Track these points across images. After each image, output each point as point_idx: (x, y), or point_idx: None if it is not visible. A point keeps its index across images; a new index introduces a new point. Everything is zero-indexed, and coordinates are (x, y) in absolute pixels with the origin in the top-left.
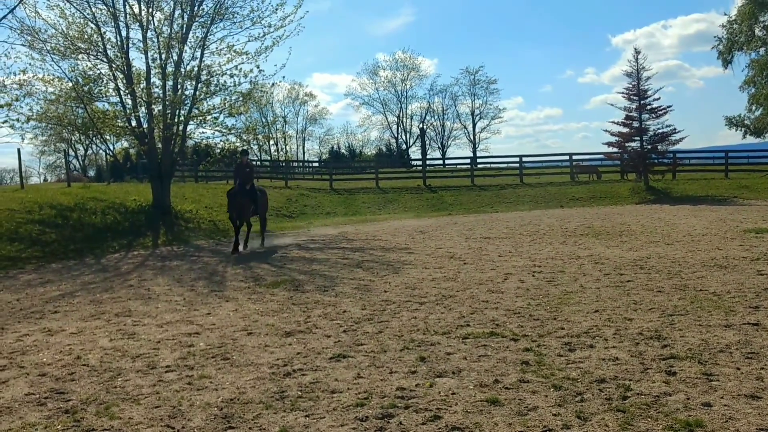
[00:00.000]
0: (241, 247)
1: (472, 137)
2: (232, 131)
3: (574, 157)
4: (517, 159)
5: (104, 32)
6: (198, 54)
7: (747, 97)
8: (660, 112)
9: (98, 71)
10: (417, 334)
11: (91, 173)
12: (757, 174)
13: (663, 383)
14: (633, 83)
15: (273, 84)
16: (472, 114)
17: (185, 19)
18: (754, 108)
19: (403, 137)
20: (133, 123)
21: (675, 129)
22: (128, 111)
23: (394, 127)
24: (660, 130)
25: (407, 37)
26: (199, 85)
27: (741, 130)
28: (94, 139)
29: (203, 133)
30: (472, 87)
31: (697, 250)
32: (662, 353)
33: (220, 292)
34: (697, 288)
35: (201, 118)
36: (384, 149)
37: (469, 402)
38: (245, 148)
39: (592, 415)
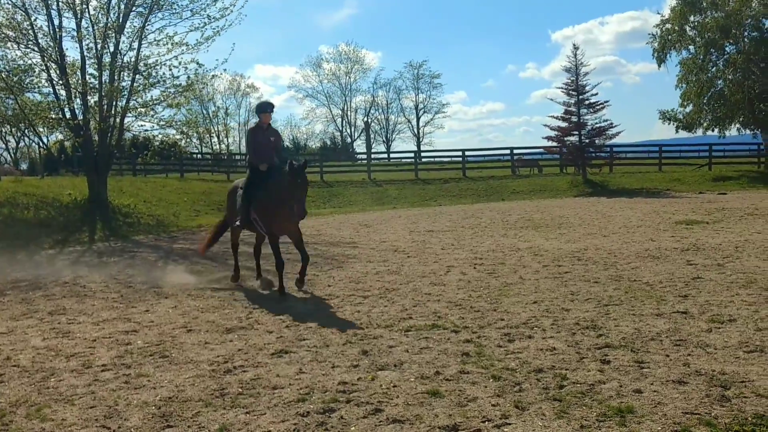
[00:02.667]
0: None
1: (416, 131)
2: (172, 124)
3: (516, 151)
4: (460, 153)
5: (35, 20)
6: (136, 44)
7: (680, 94)
8: (598, 107)
9: (29, 61)
10: (360, 328)
11: (24, 166)
12: (688, 167)
13: (598, 371)
14: (572, 78)
15: (214, 76)
16: (416, 108)
17: (122, 8)
18: (685, 104)
19: (348, 130)
20: (68, 115)
21: (612, 123)
22: (62, 102)
23: (339, 120)
24: (597, 125)
25: (351, 29)
26: (137, 76)
27: (674, 125)
28: (26, 131)
29: (142, 125)
30: (415, 81)
31: (632, 242)
32: (597, 342)
33: (159, 288)
34: (631, 278)
35: (139, 110)
36: (328, 142)
37: (410, 394)
38: (268, 100)
39: (529, 405)
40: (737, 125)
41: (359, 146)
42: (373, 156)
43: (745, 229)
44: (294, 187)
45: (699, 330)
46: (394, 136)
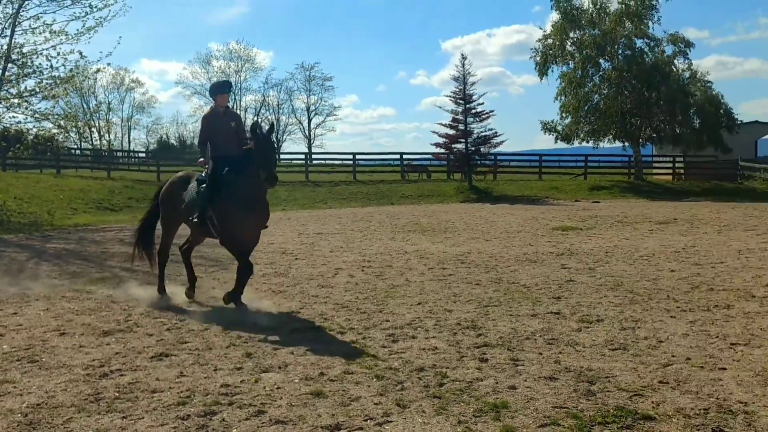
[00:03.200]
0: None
1: (307, 133)
2: (49, 117)
3: (405, 156)
4: (351, 156)
5: None
6: (8, 31)
7: (559, 106)
8: (483, 117)
9: None
10: (244, 331)
11: None
12: (566, 177)
13: (476, 369)
14: (460, 87)
15: (98, 70)
16: (308, 110)
17: None
18: (564, 116)
19: None
20: None
21: (497, 132)
22: None
23: None
24: (483, 133)
25: (242, 27)
26: (9, 65)
27: (554, 135)
28: None
29: (14, 117)
30: (307, 83)
31: (512, 246)
32: (477, 342)
33: (29, 290)
34: (510, 281)
35: (12, 100)
36: None
37: (294, 395)
38: (225, 79)
39: (410, 402)
40: (610, 138)
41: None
42: None
43: (614, 235)
44: (263, 152)
45: (570, 329)
46: (285, 137)
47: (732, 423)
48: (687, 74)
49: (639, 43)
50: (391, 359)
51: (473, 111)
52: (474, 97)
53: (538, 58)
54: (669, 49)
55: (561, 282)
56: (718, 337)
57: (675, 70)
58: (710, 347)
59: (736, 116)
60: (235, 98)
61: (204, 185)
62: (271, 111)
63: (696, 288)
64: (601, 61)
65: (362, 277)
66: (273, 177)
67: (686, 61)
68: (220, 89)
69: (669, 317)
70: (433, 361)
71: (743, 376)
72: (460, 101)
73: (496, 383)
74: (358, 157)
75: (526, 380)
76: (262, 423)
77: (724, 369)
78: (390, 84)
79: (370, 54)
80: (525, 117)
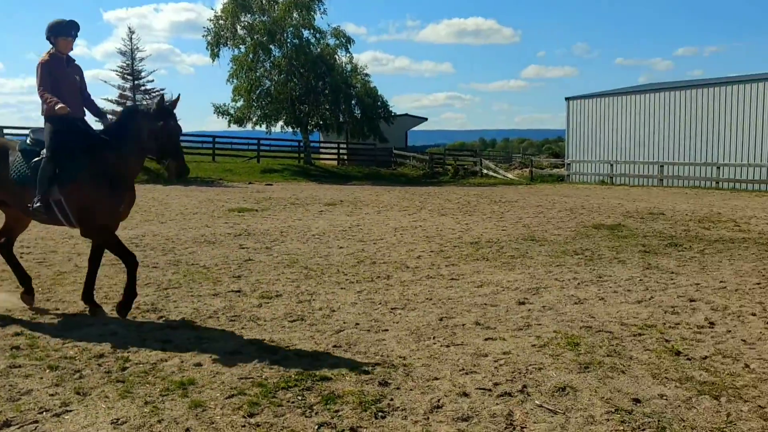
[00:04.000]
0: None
1: None
2: None
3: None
4: None
5: None
6: None
7: (231, 89)
8: (154, 94)
9: None
10: None
11: None
12: (239, 159)
13: (160, 351)
14: (127, 63)
15: None
16: None
17: None
18: (236, 99)
19: None
20: None
21: None
22: None
23: None
24: None
25: None
26: None
27: (226, 118)
28: None
29: None
30: None
31: (189, 228)
32: (159, 324)
33: None
34: (189, 262)
35: None
36: None
37: None
38: (70, 19)
39: (91, 390)
40: (282, 123)
41: None
42: None
43: (288, 216)
44: (171, 134)
45: (251, 306)
46: None
47: (394, 375)
48: (349, 67)
49: (306, 33)
50: (65, 348)
51: (142, 88)
52: (143, 74)
53: (210, 39)
54: (332, 42)
55: (240, 261)
56: (381, 303)
57: (338, 61)
58: (375, 312)
59: (390, 108)
60: None
61: (38, 159)
62: None
63: (361, 262)
64: (271, 47)
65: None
66: (185, 169)
67: (347, 55)
68: (64, 30)
69: (340, 289)
70: (113, 346)
71: (401, 335)
72: (128, 77)
73: (182, 362)
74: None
75: (211, 356)
76: None
77: (387, 330)
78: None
79: (14, 22)
80: (197, 97)
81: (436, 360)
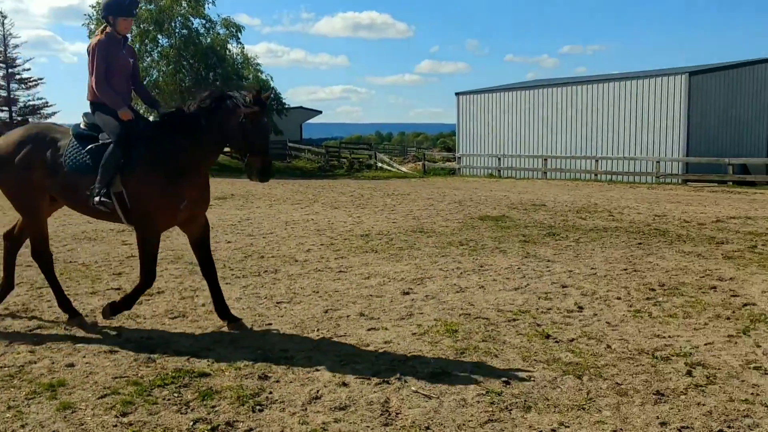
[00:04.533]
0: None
1: None
2: None
3: None
4: None
5: None
6: None
7: None
8: (31, 84)
9: None
10: None
11: None
12: None
13: (29, 353)
14: (0, 49)
15: None
16: None
17: None
18: None
19: None
20: None
21: (47, 102)
22: None
23: None
24: (31, 102)
25: None
26: None
27: None
28: None
29: None
30: None
31: (70, 224)
32: (29, 325)
33: None
34: (67, 260)
35: None
36: None
37: None
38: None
39: None
40: None
41: None
42: None
43: None
44: (261, 130)
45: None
46: None
47: (275, 368)
48: (240, 58)
49: (196, 23)
50: None
51: (18, 77)
52: (18, 62)
53: (92, 26)
54: (223, 32)
55: (122, 258)
56: (266, 297)
57: (230, 52)
58: (260, 307)
59: (284, 100)
60: None
61: (97, 144)
62: None
63: (249, 256)
64: (159, 36)
65: None
66: (271, 167)
67: (239, 45)
68: (126, 9)
69: (225, 284)
70: None
71: (285, 329)
72: (2, 65)
73: (53, 363)
74: None
75: (85, 356)
76: None
77: (270, 324)
78: None
79: None
80: (79, 88)
81: (319, 352)
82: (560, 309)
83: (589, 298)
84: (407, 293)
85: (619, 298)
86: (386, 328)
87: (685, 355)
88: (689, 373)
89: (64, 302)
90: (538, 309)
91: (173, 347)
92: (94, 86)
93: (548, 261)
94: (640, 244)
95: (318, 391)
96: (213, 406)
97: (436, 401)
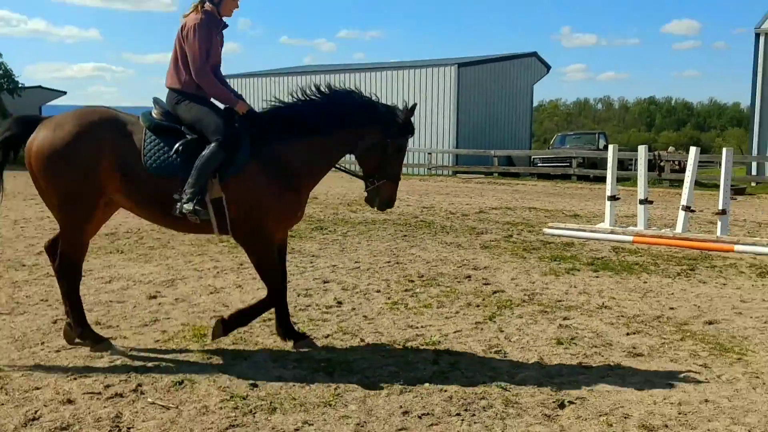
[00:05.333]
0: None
1: None
2: None
3: None
4: None
5: None
6: None
7: None
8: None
9: None
10: None
11: None
12: None
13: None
14: None
15: None
16: None
17: None
18: None
19: None
20: None
21: None
22: None
23: None
24: None
25: None
26: None
27: None
28: None
29: None
30: None
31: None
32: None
33: None
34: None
35: None
36: None
37: None
38: None
39: None
40: None
41: None
42: None
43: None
44: (400, 156)
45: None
46: None
47: None
48: None
49: None
50: None
51: None
52: None
53: None
54: None
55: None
56: None
57: None
58: None
59: (16, 78)
60: None
61: (186, 140)
62: None
63: None
64: None
65: None
66: (394, 199)
67: None
68: None
69: None
70: None
71: (3, 344)
72: None
73: None
74: None
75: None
76: None
77: None
78: None
79: None
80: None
81: (41, 368)
82: (319, 305)
83: (350, 293)
84: (154, 297)
85: (378, 291)
86: (125, 337)
87: (434, 344)
88: (435, 362)
89: (84, 327)
90: (296, 306)
91: None
92: (193, 73)
93: (312, 256)
94: (405, 236)
95: (36, 412)
96: None
97: (174, 411)
